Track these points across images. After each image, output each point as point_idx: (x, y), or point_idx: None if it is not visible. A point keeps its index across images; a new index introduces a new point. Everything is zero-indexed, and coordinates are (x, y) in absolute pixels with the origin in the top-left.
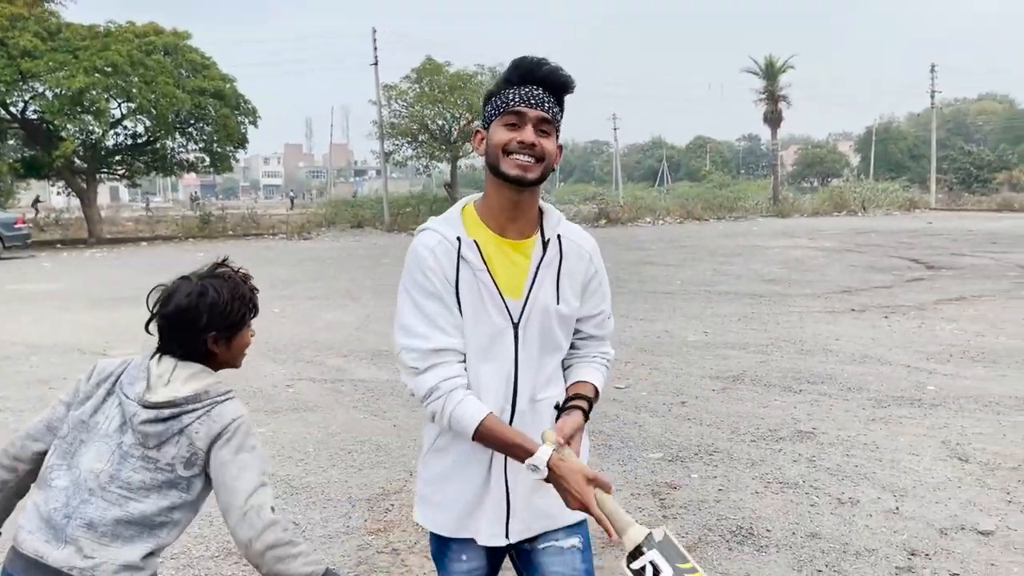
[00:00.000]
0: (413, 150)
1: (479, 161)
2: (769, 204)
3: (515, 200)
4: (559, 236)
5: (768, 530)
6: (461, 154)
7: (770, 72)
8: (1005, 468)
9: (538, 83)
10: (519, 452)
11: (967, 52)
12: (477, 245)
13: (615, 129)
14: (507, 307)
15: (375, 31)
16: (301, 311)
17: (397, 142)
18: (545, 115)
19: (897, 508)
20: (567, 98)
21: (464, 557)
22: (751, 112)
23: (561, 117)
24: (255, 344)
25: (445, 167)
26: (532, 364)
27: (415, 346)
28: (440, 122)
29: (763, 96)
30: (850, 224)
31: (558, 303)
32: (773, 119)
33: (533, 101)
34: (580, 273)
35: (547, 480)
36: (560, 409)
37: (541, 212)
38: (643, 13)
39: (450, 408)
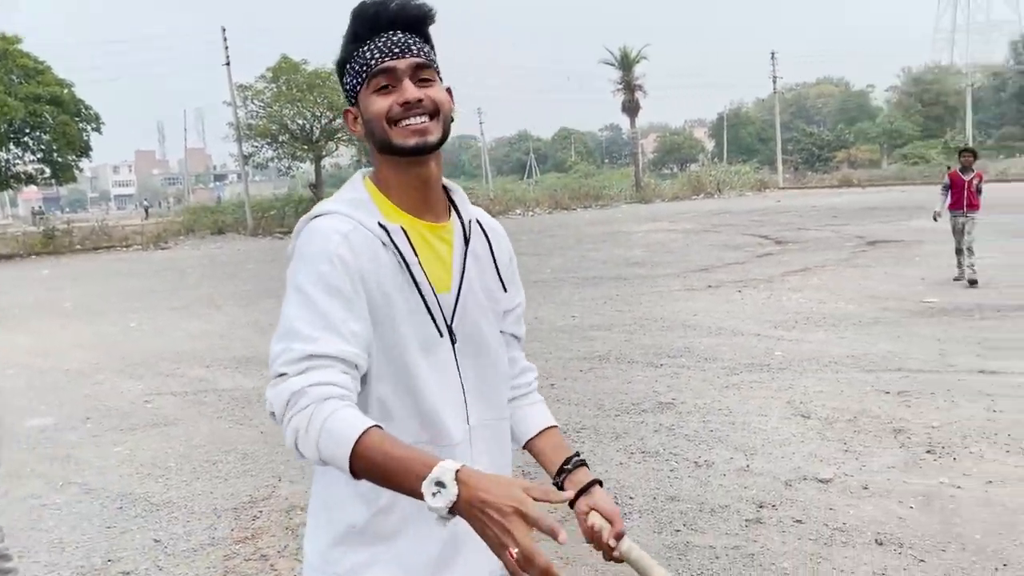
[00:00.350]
0: (274, 151)
1: (343, 159)
2: (632, 191)
3: (423, 175)
4: (477, 218)
5: (631, 497)
6: (325, 153)
7: (625, 63)
8: (842, 421)
9: (392, 26)
10: (416, 469)
11: (806, 38)
12: (406, 233)
13: (481, 123)
14: (440, 306)
15: (225, 30)
16: (160, 323)
17: (256, 144)
18: (419, 60)
19: (748, 466)
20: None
21: None
22: (611, 102)
23: (435, 54)
24: (108, 360)
25: (309, 167)
26: (473, 373)
27: (293, 349)
28: (300, 122)
29: (620, 87)
30: (707, 206)
31: (505, 292)
32: (631, 108)
33: (397, 49)
34: (507, 258)
35: (454, 512)
36: (559, 474)
37: (446, 189)
38: (502, 4)
39: (320, 418)
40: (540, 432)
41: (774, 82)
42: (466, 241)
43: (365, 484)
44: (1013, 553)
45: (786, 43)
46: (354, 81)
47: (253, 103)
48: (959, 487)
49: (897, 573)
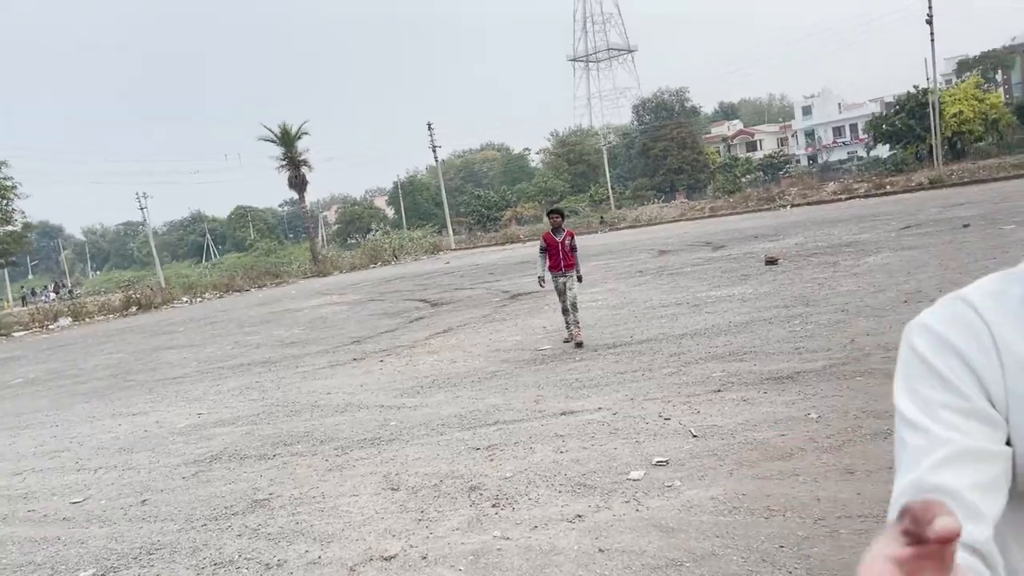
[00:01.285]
0: None
1: None
2: (311, 265)
3: None
4: None
5: None
6: None
7: (287, 139)
8: (427, 488)
9: None
10: None
11: (465, 107)
12: None
13: (143, 208)
14: None
15: None
16: None
17: None
18: None
19: (319, 557)
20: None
21: None
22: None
23: None
24: None
25: None
26: None
27: None
28: None
29: (284, 163)
30: (382, 274)
31: None
32: (298, 183)
33: None
34: None
35: None
36: None
37: None
38: (152, 88)
39: None
40: None
41: (434, 151)
42: None
43: None
44: None
45: (447, 112)
46: None
47: None
48: (508, 538)
49: None
